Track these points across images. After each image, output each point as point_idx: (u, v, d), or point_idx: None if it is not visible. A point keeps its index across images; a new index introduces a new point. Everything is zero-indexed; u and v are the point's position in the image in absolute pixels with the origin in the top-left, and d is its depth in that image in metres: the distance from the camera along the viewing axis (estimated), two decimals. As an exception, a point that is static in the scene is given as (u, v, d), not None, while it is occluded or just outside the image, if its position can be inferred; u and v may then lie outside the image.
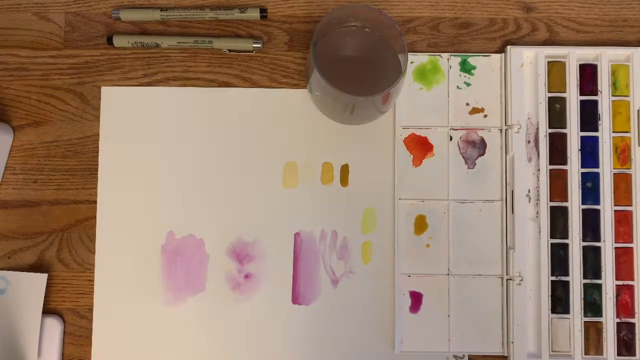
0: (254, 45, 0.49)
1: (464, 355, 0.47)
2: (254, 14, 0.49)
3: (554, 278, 0.47)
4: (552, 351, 0.47)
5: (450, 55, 0.50)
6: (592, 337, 0.47)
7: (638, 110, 0.49)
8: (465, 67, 0.49)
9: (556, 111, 0.49)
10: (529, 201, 0.48)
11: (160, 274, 0.48)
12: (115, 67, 0.50)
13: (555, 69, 0.49)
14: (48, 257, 0.48)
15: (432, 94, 0.49)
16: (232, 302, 0.48)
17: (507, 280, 0.47)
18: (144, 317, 0.47)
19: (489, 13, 0.50)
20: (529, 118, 0.49)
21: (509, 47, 0.49)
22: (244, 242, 0.48)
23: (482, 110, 0.49)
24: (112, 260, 0.48)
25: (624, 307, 0.47)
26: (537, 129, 0.49)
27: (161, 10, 0.49)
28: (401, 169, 0.48)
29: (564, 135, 0.48)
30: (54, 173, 0.49)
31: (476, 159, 0.49)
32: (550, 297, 0.47)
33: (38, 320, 0.46)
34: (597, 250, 0.47)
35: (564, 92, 0.49)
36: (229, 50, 0.49)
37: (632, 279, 0.47)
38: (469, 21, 0.50)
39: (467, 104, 0.49)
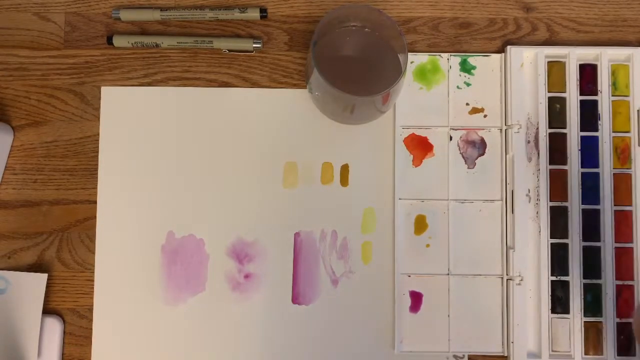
0: (254, 45, 0.49)
1: (464, 355, 0.47)
2: (254, 14, 0.49)
3: (553, 278, 0.47)
4: (552, 351, 0.47)
5: (450, 55, 0.50)
6: (592, 337, 0.47)
7: (638, 110, 0.49)
8: (465, 67, 0.49)
9: (556, 111, 0.49)
10: (529, 201, 0.48)
11: (160, 274, 0.48)
12: (115, 67, 0.50)
13: (555, 69, 0.49)
14: (48, 257, 0.48)
15: (432, 94, 0.49)
16: (232, 302, 0.48)
17: (507, 280, 0.47)
18: (144, 317, 0.47)
19: (489, 13, 0.50)
20: (529, 118, 0.49)
21: (509, 47, 0.49)
22: (244, 242, 0.48)
23: (482, 110, 0.49)
24: (112, 260, 0.48)
25: (623, 307, 0.47)
26: (537, 129, 0.49)
27: (161, 10, 0.49)
28: (401, 169, 0.48)
29: (564, 135, 0.48)
30: (54, 173, 0.49)
31: (476, 159, 0.49)
32: (550, 297, 0.47)
33: (38, 320, 0.46)
34: (597, 250, 0.47)
35: (564, 92, 0.49)
36: (229, 50, 0.49)
37: (632, 279, 0.47)
38: (469, 21, 0.50)
39: (467, 104, 0.49)
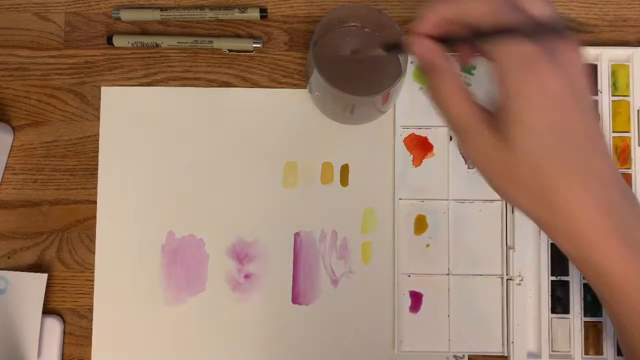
0: (254, 45, 0.49)
1: (464, 355, 0.47)
2: (254, 14, 0.49)
3: (554, 278, 0.47)
4: (552, 351, 0.47)
5: (450, 55, 0.49)
6: (592, 337, 0.47)
7: (638, 110, 0.49)
8: (465, 67, 0.49)
9: (556, 111, 0.49)
10: (529, 201, 0.48)
11: (160, 274, 0.48)
12: (115, 67, 0.50)
13: (555, 69, 0.49)
14: (48, 257, 0.48)
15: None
16: (232, 302, 0.48)
17: (507, 280, 0.47)
18: (144, 317, 0.47)
19: (489, 13, 0.50)
20: (529, 118, 0.49)
21: (509, 47, 0.49)
22: (244, 242, 0.48)
23: (482, 110, 0.49)
24: (112, 260, 0.48)
25: (624, 307, 0.47)
26: (537, 129, 0.48)
27: (161, 10, 0.49)
28: (401, 169, 0.48)
29: (564, 135, 0.48)
30: (54, 173, 0.49)
31: (476, 159, 0.49)
32: (550, 297, 0.47)
33: (38, 320, 0.46)
34: (597, 250, 0.47)
35: (564, 92, 0.49)
36: (229, 50, 0.49)
37: (632, 279, 0.47)
38: (469, 21, 0.50)
39: (467, 104, 0.49)
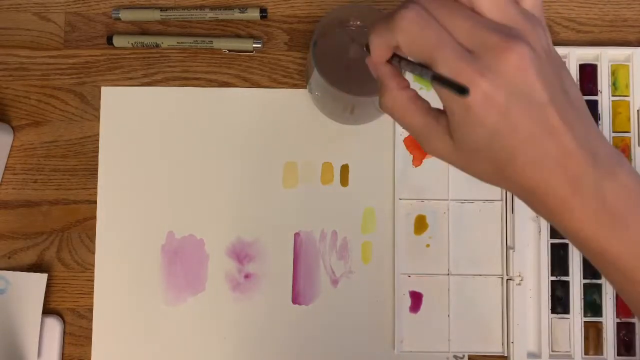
0: (254, 45, 0.49)
1: (464, 355, 0.47)
2: (254, 14, 0.49)
3: (554, 278, 0.47)
4: (552, 351, 0.47)
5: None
6: (592, 337, 0.47)
7: (638, 110, 0.49)
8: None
9: (556, 111, 0.49)
10: (529, 201, 0.48)
11: (160, 274, 0.48)
12: (115, 67, 0.49)
13: (555, 69, 0.49)
14: (48, 257, 0.48)
15: (432, 94, 0.49)
16: (232, 302, 0.48)
17: (507, 280, 0.47)
18: (144, 317, 0.47)
19: (489, 13, 0.50)
20: (529, 118, 0.49)
21: (509, 47, 0.49)
22: (244, 241, 0.48)
23: (482, 110, 0.49)
24: (112, 260, 0.48)
25: (623, 307, 0.47)
26: (537, 129, 0.48)
27: (161, 10, 0.49)
28: (401, 169, 0.48)
29: (564, 135, 0.48)
30: (54, 173, 0.49)
31: (476, 159, 0.49)
32: (550, 297, 0.47)
33: (38, 320, 0.46)
34: (597, 250, 0.47)
35: (564, 92, 0.49)
36: (229, 50, 0.49)
37: (632, 279, 0.47)
38: (469, 21, 0.50)
39: (467, 104, 0.49)
